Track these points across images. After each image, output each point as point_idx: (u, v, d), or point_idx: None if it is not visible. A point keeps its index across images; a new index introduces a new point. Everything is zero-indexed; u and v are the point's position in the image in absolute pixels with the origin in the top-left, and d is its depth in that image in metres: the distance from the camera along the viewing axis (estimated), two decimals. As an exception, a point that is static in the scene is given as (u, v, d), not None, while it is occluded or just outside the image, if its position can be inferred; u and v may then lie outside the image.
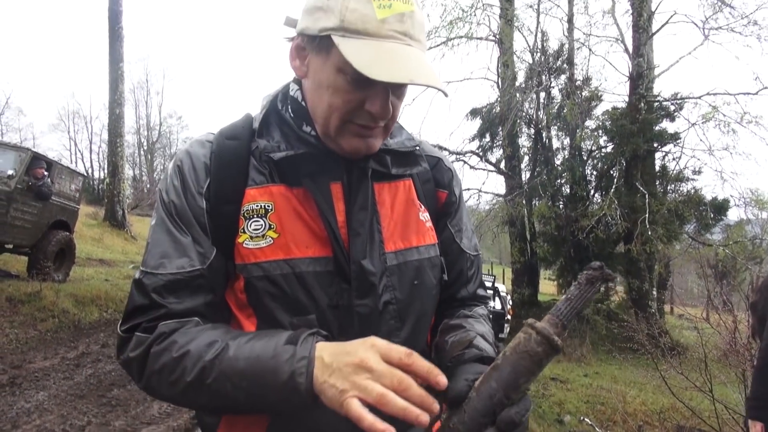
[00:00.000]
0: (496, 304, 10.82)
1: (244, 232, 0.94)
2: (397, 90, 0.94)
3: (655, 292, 14.65)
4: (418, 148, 1.10)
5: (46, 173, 8.74)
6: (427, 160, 1.15)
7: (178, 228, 0.95)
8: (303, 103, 1.00)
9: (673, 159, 15.35)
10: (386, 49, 0.85)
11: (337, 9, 0.86)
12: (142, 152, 45.64)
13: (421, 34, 0.90)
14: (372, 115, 0.91)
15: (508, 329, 12.23)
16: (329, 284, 0.94)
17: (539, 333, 0.72)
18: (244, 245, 0.94)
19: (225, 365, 0.83)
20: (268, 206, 0.95)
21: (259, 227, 0.94)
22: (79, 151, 43.89)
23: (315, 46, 0.92)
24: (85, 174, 13.00)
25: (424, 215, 1.09)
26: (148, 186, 38.71)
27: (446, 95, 0.93)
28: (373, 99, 0.90)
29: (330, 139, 0.96)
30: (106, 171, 23.46)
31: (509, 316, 12.78)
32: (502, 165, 17.23)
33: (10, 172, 8.09)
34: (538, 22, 16.53)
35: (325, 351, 0.80)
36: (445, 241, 1.14)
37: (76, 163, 40.28)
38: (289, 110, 1.02)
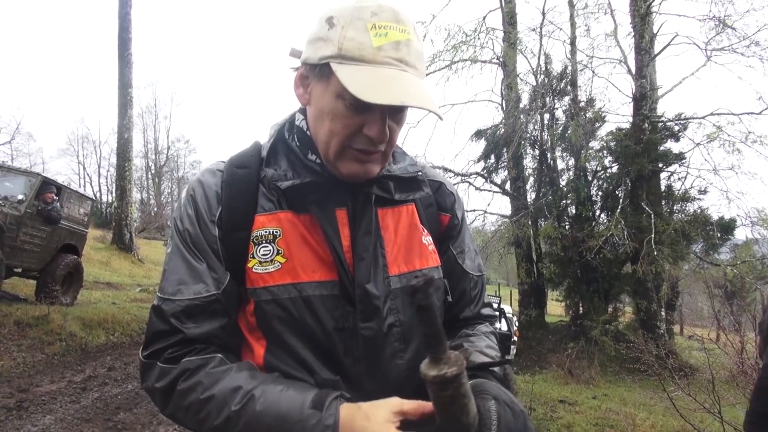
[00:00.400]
0: (502, 326, 10.75)
1: (254, 257, 0.98)
2: (395, 115, 0.97)
3: (663, 313, 14.52)
4: (420, 173, 1.13)
5: (55, 198, 8.84)
6: (430, 185, 1.18)
7: (193, 255, 0.99)
8: (308, 132, 1.04)
9: (679, 179, 15.33)
10: (381, 75, 0.88)
11: (336, 38, 0.90)
12: (149, 176, 46.10)
13: (417, 61, 0.93)
14: (370, 139, 0.95)
15: (515, 351, 12.13)
16: (335, 307, 0.97)
17: (434, 383, 0.74)
18: (253, 270, 0.98)
19: (251, 418, 0.86)
20: (277, 232, 0.99)
21: (268, 252, 0.98)
22: (88, 175, 44.49)
23: (316, 74, 0.96)
24: (94, 198, 13.09)
25: (427, 239, 1.12)
26: (156, 209, 39.00)
27: (441, 118, 0.96)
28: (371, 124, 0.94)
29: (330, 163, 1.00)
30: (114, 195, 23.69)
31: (515, 338, 12.69)
32: (507, 186, 17.25)
33: (20, 196, 8.22)
34: (541, 45, 16.71)
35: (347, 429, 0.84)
36: (448, 263, 1.17)
37: (84, 186, 40.72)
38: (296, 139, 1.06)
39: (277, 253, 0.98)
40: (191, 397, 0.90)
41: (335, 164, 0.99)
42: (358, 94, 0.86)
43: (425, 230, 1.12)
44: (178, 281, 0.97)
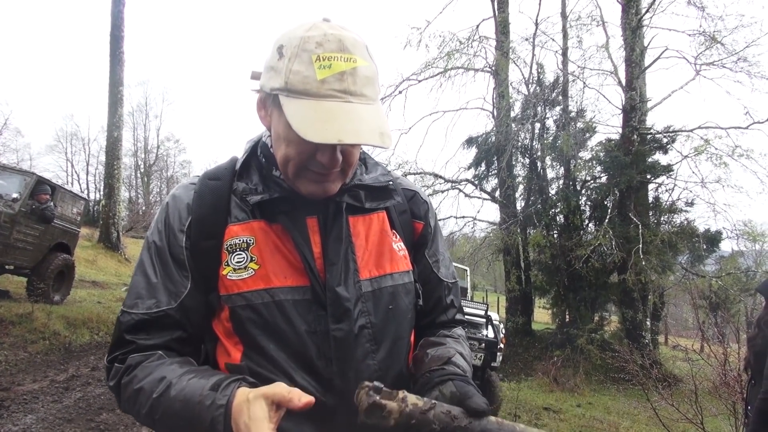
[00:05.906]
0: (489, 333, 10.75)
1: (228, 265, 1.02)
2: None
3: (648, 323, 14.63)
4: (391, 183, 1.17)
5: (49, 197, 8.92)
6: (404, 194, 1.23)
7: (154, 269, 1.04)
8: (271, 149, 1.08)
9: (666, 190, 15.50)
10: (323, 110, 0.90)
11: (283, 71, 0.93)
12: (138, 174, 45.73)
13: (365, 87, 0.94)
14: (323, 164, 0.98)
15: (501, 357, 12.14)
16: (307, 311, 1.01)
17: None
18: (228, 277, 1.02)
19: (166, 405, 0.91)
20: (250, 240, 1.04)
21: (242, 260, 1.03)
22: (76, 172, 44.05)
23: (271, 101, 1.01)
24: (87, 198, 13.06)
25: (398, 244, 1.16)
26: (144, 208, 38.67)
27: (384, 148, 0.95)
28: (323, 151, 0.97)
29: (290, 182, 1.04)
30: (101, 193, 23.47)
31: (502, 345, 12.70)
32: (497, 194, 17.32)
33: (14, 195, 8.33)
34: (534, 55, 16.85)
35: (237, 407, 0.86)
36: (424, 271, 1.22)
37: (71, 184, 40.35)
38: (262, 155, 1.11)
39: (251, 260, 1.02)
40: (129, 390, 0.97)
41: (294, 184, 1.03)
42: (299, 131, 0.89)
43: (397, 236, 1.17)
44: (136, 295, 1.03)
